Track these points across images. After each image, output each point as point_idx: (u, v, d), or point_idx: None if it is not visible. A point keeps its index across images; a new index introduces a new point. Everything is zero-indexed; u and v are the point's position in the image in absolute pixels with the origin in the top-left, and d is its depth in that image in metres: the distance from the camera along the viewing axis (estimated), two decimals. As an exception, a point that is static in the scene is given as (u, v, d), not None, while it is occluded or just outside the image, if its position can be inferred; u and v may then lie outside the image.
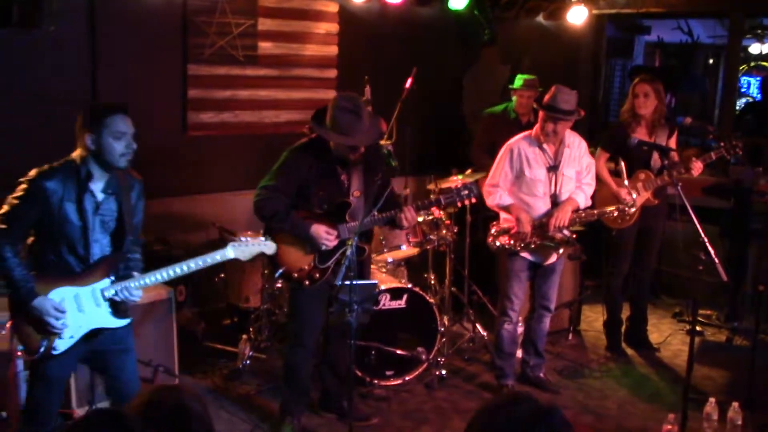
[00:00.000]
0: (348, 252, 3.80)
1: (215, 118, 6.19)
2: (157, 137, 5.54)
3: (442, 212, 5.60)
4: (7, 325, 3.45)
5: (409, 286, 5.21)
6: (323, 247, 4.23)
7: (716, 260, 4.11)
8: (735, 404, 4.52)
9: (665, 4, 7.53)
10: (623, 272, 5.87)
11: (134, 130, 3.39)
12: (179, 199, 6.06)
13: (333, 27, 6.72)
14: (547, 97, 4.78)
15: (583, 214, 5.05)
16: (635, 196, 5.39)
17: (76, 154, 3.38)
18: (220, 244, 5.71)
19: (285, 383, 4.61)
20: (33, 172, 3.33)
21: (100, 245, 3.45)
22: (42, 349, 3.34)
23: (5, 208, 3.33)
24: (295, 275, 4.30)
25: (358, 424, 4.55)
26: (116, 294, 3.43)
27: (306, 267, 4.29)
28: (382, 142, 5.61)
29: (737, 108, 9.40)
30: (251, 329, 5.54)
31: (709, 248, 4.15)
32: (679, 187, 4.48)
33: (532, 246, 4.89)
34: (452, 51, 7.64)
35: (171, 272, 3.50)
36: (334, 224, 4.27)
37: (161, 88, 5.88)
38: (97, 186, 3.41)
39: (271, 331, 5.55)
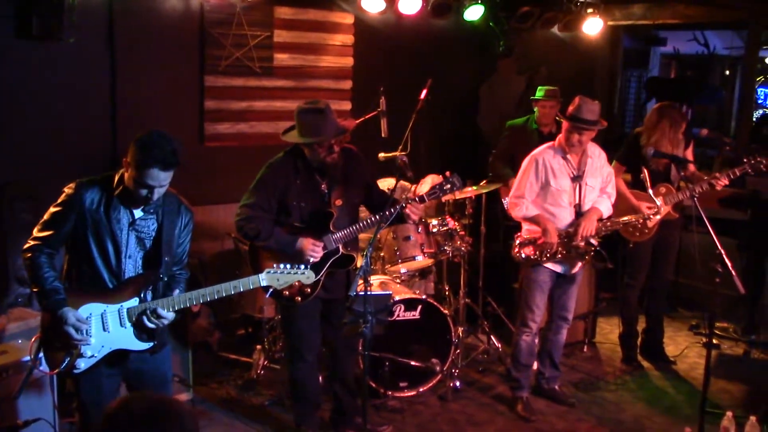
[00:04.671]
0: (362, 263, 3.77)
1: (231, 128, 6.24)
2: (174, 148, 5.57)
3: (456, 223, 5.60)
4: (33, 339, 3.40)
5: (424, 297, 5.21)
6: (311, 261, 4.12)
7: (733, 273, 4.09)
8: (752, 418, 4.45)
9: (681, 15, 7.51)
10: (640, 284, 5.85)
11: (166, 185, 3.30)
12: (195, 209, 5.98)
13: (348, 39, 6.76)
14: (571, 108, 4.79)
15: (609, 223, 5.04)
16: (660, 203, 5.37)
17: (120, 171, 3.35)
18: (235, 254, 5.86)
19: (293, 399, 4.60)
20: (73, 183, 3.35)
21: (134, 262, 3.40)
22: (63, 366, 3.28)
23: (45, 216, 3.35)
24: (286, 293, 4.18)
25: (372, 435, 4.54)
26: (142, 315, 3.35)
27: (296, 283, 4.03)
28: (397, 153, 5.62)
29: (754, 119, 9.36)
30: (266, 340, 5.54)
31: (726, 261, 4.13)
32: (695, 199, 4.48)
33: (558, 256, 4.89)
34: (468, 62, 7.65)
35: (200, 297, 3.41)
36: (318, 237, 4.23)
37: (178, 100, 5.94)
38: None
39: (285, 342, 5.55)
